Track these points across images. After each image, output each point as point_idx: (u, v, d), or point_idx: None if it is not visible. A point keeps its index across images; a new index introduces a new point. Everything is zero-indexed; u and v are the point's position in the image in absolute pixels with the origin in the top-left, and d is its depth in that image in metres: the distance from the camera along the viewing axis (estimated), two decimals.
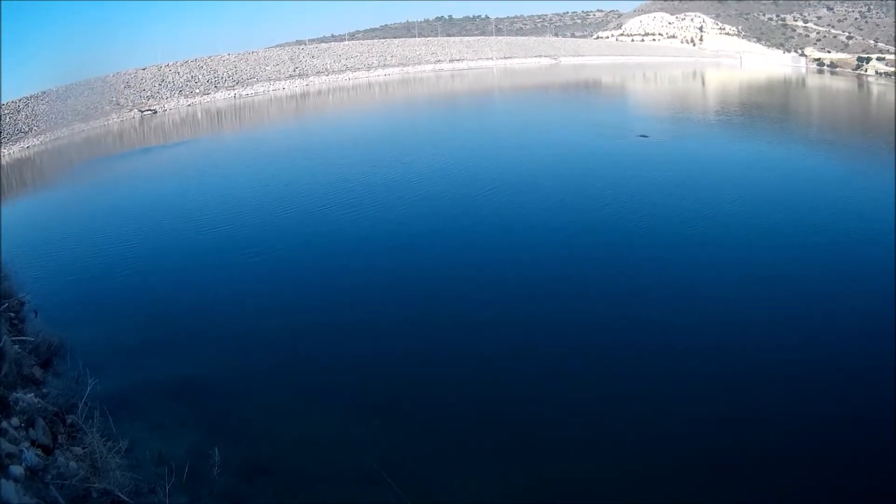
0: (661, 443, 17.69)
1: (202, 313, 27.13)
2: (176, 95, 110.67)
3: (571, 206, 38.90)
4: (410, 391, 20.68)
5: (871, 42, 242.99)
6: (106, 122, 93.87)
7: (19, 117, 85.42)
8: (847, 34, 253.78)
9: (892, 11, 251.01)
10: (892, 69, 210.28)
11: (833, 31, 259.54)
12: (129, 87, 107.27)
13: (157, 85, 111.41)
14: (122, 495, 14.48)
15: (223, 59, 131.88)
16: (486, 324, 24.91)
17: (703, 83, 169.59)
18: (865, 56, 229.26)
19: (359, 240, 35.26)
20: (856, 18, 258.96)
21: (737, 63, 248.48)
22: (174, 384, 20.93)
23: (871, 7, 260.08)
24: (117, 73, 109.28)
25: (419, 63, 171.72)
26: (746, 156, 56.13)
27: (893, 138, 70.30)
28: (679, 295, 26.74)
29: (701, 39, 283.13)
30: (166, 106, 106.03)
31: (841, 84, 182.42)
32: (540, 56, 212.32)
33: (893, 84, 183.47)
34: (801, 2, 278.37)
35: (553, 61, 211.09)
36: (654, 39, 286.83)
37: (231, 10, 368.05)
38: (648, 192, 40.91)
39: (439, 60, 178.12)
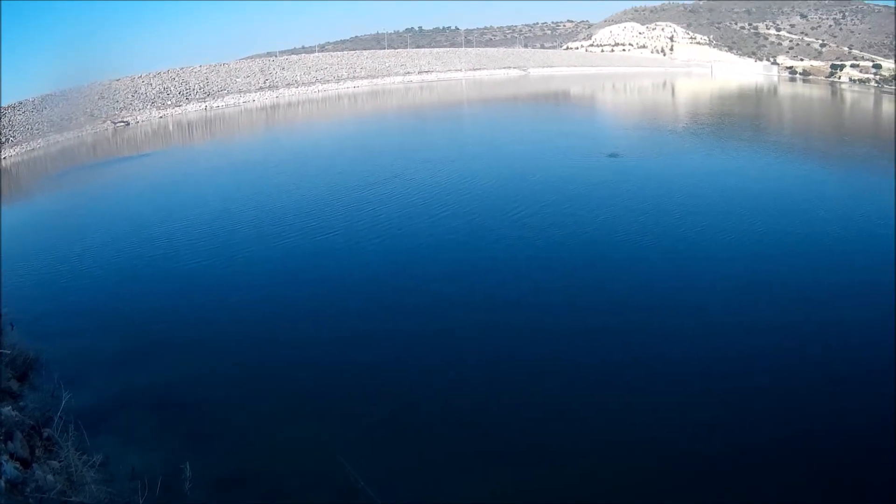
0: (658, 449, 18.14)
1: (176, 326, 27.05)
2: (148, 107, 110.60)
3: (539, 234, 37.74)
4: (386, 400, 20.72)
5: (846, 49, 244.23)
6: (80, 133, 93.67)
7: None
8: (821, 42, 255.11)
9: (867, 18, 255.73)
10: (869, 76, 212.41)
11: (806, 38, 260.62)
12: (103, 98, 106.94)
13: (130, 96, 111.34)
14: None
15: (195, 70, 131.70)
16: (460, 333, 25.33)
17: (674, 93, 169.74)
18: (839, 63, 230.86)
19: (335, 251, 35.41)
20: (830, 26, 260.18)
21: (707, 72, 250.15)
22: (147, 397, 20.85)
23: (846, 14, 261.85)
24: (91, 84, 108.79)
25: (388, 75, 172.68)
26: (719, 172, 56.03)
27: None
28: (671, 306, 27.24)
29: (671, 49, 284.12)
30: (139, 118, 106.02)
31: (814, 92, 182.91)
32: (509, 67, 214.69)
33: (873, 92, 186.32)
34: (774, 10, 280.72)
35: (522, 72, 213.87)
36: (623, 50, 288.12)
37: (203, 22, 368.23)
38: (622, 216, 40.37)
39: (408, 72, 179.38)
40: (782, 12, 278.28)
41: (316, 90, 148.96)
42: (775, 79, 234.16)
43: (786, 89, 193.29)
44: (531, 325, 25.93)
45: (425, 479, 17.13)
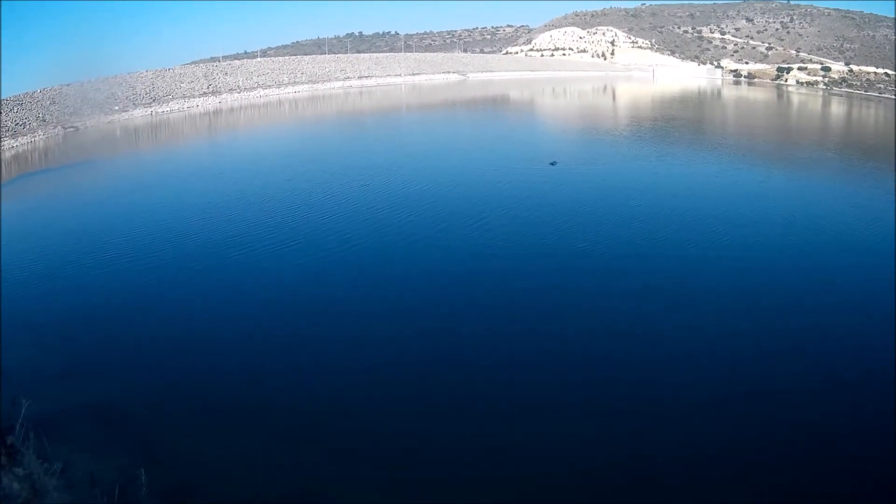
0: (661, 453, 19.25)
1: (129, 334, 27.36)
2: (97, 112, 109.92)
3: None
4: (339, 414, 21.02)
5: (793, 52, 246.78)
6: (33, 139, 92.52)
7: None
8: (767, 45, 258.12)
9: (816, 21, 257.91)
10: (817, 78, 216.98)
11: (752, 42, 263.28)
12: (55, 103, 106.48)
13: (78, 101, 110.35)
14: None
15: (141, 76, 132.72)
16: (399, 345, 26.21)
17: (614, 98, 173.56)
18: (786, 66, 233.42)
19: (281, 265, 35.84)
20: (777, 29, 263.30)
21: (649, 76, 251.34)
22: (102, 405, 21.16)
23: (794, 17, 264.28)
24: (44, 90, 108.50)
25: (328, 80, 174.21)
26: (660, 180, 57.88)
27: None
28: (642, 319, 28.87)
29: (612, 53, 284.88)
30: (87, 123, 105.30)
31: (759, 94, 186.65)
32: (448, 72, 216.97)
33: (821, 94, 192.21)
34: (718, 14, 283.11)
35: (461, 77, 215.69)
36: (564, 54, 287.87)
37: (149, 26, 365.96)
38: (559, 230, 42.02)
39: (348, 77, 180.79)
40: (727, 16, 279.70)
41: (258, 95, 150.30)
42: (719, 82, 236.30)
43: (730, 92, 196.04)
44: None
45: (374, 497, 17.78)
